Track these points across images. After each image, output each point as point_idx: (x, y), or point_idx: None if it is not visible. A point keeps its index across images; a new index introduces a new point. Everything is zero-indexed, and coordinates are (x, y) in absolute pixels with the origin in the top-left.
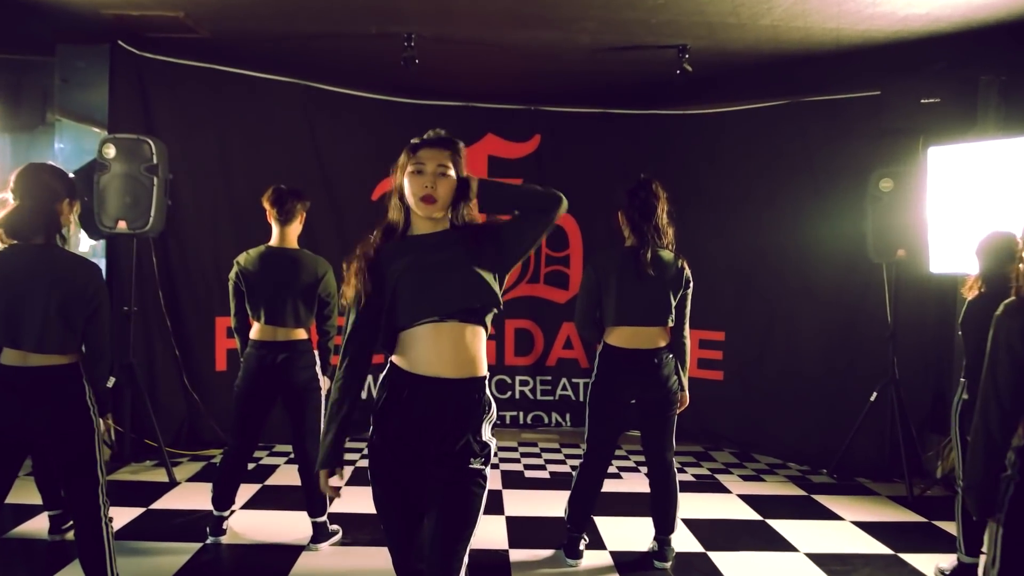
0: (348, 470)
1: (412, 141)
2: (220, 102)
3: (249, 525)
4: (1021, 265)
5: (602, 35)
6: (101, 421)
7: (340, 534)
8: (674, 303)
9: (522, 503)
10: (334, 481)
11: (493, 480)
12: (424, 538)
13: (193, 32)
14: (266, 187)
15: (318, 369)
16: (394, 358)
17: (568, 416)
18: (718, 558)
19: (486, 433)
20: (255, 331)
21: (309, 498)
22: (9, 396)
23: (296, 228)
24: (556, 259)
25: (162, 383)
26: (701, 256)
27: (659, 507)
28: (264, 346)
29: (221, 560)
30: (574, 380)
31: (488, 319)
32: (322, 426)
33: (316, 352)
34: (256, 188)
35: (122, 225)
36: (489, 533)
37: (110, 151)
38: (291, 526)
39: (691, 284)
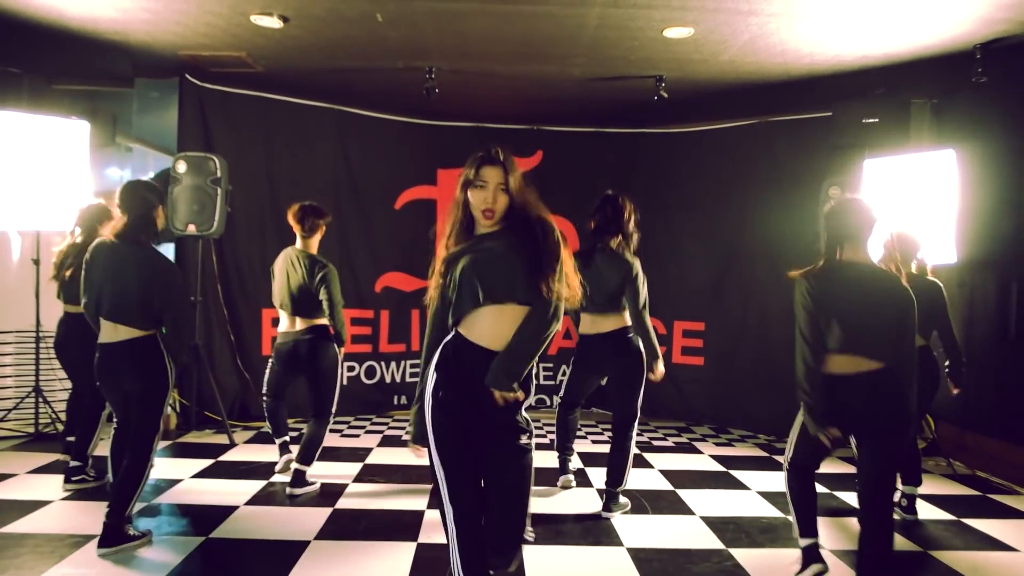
0: (376, 437)
1: (478, 154)
2: (267, 125)
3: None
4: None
5: (591, 68)
6: (174, 390)
7: (318, 487)
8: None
9: None
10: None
11: None
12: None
13: (251, 67)
14: (306, 197)
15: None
16: (460, 329)
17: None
18: (684, 494)
19: (523, 411)
20: None
21: (306, 447)
22: (109, 362)
23: (317, 239)
24: None
25: (219, 364)
26: (684, 257)
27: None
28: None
29: (276, 495)
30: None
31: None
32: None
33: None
34: (297, 198)
35: (191, 228)
36: None
37: (181, 166)
38: (340, 470)
39: (639, 277)
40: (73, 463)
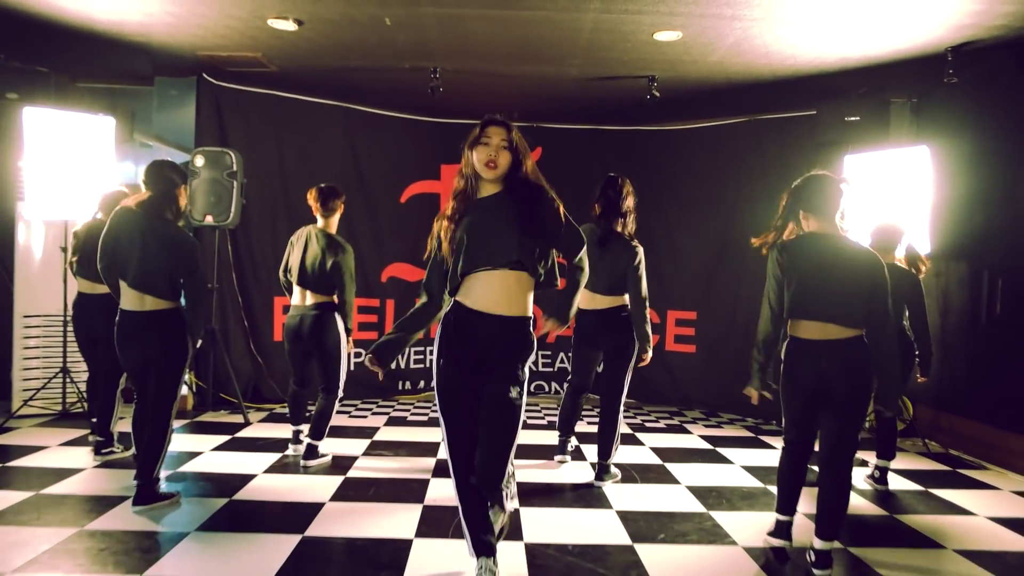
0: (383, 418)
1: (484, 117)
2: (279, 122)
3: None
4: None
5: (587, 69)
6: (191, 372)
7: (329, 459)
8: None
9: (524, 437)
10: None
11: None
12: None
13: (265, 67)
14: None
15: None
16: (458, 298)
17: (564, 384)
18: (671, 467)
19: (524, 369)
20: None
21: (316, 422)
22: (131, 329)
23: (336, 219)
24: None
25: (234, 348)
26: (677, 249)
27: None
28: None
29: (290, 466)
30: (569, 354)
31: (540, 268)
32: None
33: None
34: (306, 189)
35: (209, 219)
36: None
37: (199, 160)
38: (350, 446)
39: (641, 264)
40: (99, 439)
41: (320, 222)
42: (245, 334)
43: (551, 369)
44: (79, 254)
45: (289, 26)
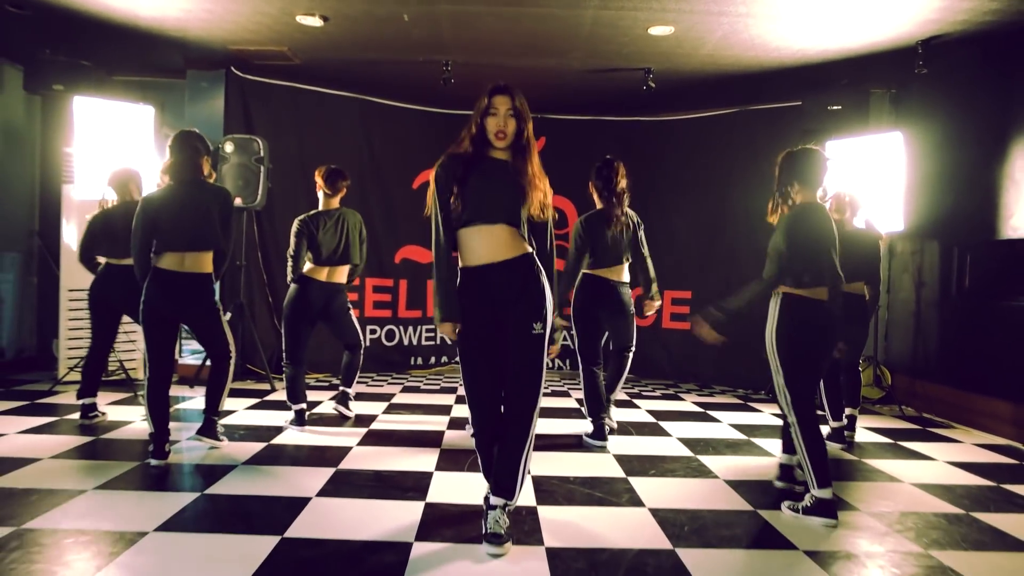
0: (398, 387)
1: (490, 86)
2: (299, 112)
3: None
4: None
5: (587, 61)
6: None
7: (353, 417)
8: (631, 244)
9: None
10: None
11: None
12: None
13: (290, 60)
14: None
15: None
16: (461, 259)
17: (567, 361)
18: (665, 424)
19: (547, 311)
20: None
21: (346, 371)
22: (170, 289)
23: (338, 199)
24: (559, 235)
25: (259, 322)
26: (674, 232)
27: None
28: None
29: (318, 422)
30: (571, 332)
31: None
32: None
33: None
34: None
35: (238, 201)
36: None
37: (229, 147)
38: (370, 407)
39: (642, 225)
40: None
41: (323, 203)
42: (269, 309)
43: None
44: (99, 235)
45: (315, 22)
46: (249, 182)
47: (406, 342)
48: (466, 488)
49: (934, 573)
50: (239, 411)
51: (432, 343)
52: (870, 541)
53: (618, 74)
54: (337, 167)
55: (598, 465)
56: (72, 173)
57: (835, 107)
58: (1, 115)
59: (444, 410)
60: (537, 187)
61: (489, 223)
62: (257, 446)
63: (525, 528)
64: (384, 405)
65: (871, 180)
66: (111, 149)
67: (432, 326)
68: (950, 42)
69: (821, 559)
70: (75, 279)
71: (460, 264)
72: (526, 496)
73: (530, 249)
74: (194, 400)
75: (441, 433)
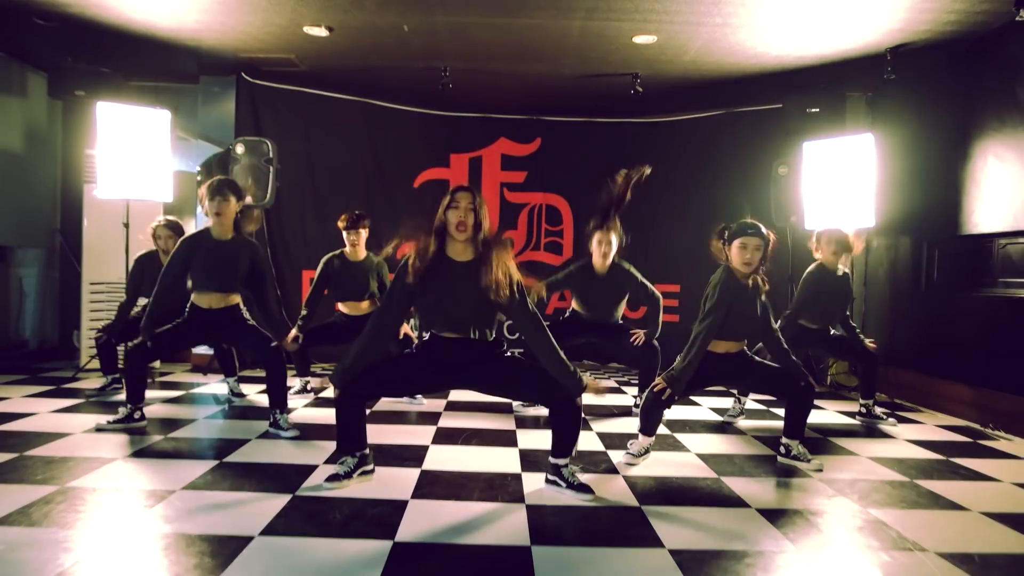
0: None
1: (455, 186)
2: (305, 115)
3: None
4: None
5: (578, 68)
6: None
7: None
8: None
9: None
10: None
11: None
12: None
13: (296, 66)
14: (339, 178)
15: None
16: (431, 330)
17: None
18: None
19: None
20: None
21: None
22: (207, 323)
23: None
24: (553, 232)
25: None
26: (661, 228)
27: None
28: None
29: (320, 404)
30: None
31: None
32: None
33: None
34: (330, 175)
35: (248, 199)
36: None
37: (240, 148)
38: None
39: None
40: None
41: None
42: (277, 301)
43: None
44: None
45: (321, 32)
46: (259, 181)
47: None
48: (459, 457)
49: (867, 525)
50: (251, 395)
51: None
52: (818, 501)
53: (607, 79)
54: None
55: (583, 441)
56: (94, 173)
57: (813, 109)
58: (26, 119)
59: (443, 395)
60: (499, 281)
61: (451, 331)
62: (263, 426)
63: (510, 490)
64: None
65: (845, 179)
66: (130, 151)
67: None
68: (916, 49)
69: (770, 516)
70: (96, 273)
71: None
72: (513, 464)
73: (491, 337)
74: (206, 386)
75: (438, 415)
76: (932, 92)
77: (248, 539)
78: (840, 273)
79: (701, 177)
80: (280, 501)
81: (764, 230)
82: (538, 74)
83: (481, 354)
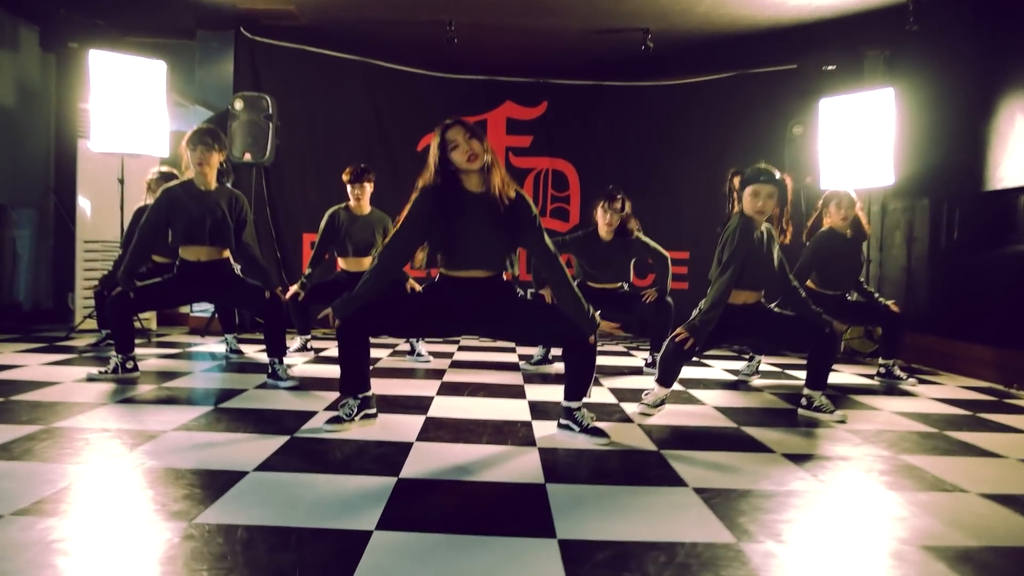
0: (387, 351)
1: (443, 123)
2: (307, 75)
3: None
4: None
5: (587, 21)
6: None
7: None
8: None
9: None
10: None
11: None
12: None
13: (297, 20)
14: (341, 140)
15: None
16: (443, 270)
17: None
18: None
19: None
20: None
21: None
22: (197, 278)
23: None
24: (559, 198)
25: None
26: (672, 193)
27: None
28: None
29: (321, 360)
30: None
31: (508, 262)
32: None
33: None
34: (332, 138)
35: (247, 156)
36: (512, 379)
37: (239, 104)
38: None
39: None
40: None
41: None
42: (278, 264)
43: None
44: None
45: None
46: (258, 139)
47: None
48: (463, 406)
49: (900, 470)
50: (249, 353)
51: None
52: (845, 448)
53: (617, 35)
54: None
55: (595, 395)
56: (88, 128)
57: (829, 67)
58: (18, 74)
59: (447, 355)
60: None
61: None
62: (262, 376)
63: (520, 435)
64: (388, 351)
65: (863, 137)
66: (125, 105)
67: None
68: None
69: (797, 460)
70: (91, 231)
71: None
72: (523, 413)
73: (505, 277)
74: (204, 346)
75: (442, 371)
76: (956, 44)
77: (242, 474)
78: (850, 235)
79: (712, 141)
80: (277, 441)
81: (778, 175)
82: (546, 28)
83: (492, 293)
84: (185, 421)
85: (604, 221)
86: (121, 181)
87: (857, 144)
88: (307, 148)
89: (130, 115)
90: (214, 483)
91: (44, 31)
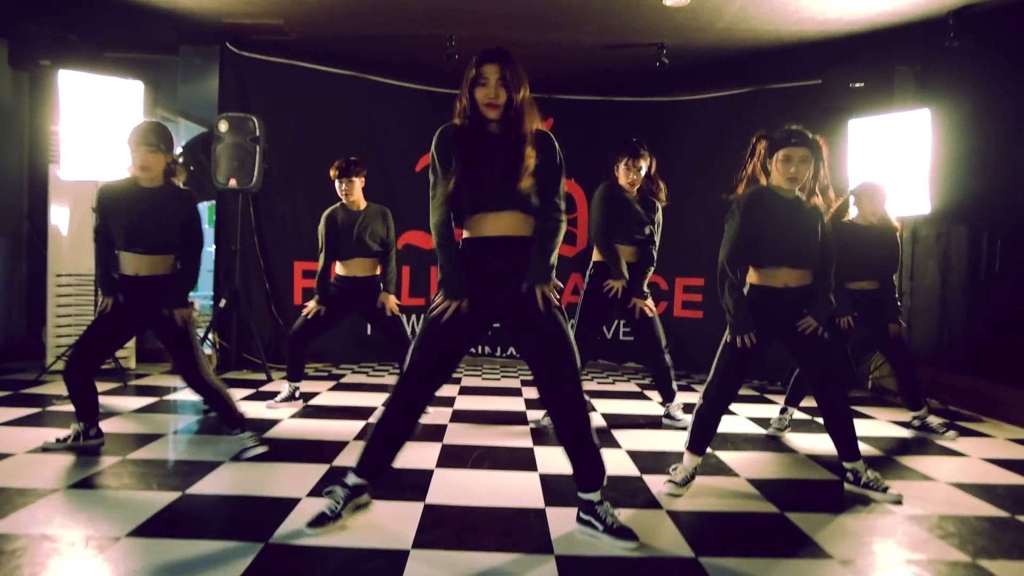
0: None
1: (480, 53)
2: (298, 92)
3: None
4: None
5: (599, 36)
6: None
7: None
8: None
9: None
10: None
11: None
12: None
13: (286, 35)
14: (331, 157)
15: None
16: (465, 233)
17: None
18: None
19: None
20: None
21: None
22: (135, 296)
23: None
24: (568, 220)
25: (255, 309)
26: (685, 217)
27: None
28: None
29: (312, 415)
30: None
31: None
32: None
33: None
34: (324, 158)
35: (232, 182)
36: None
37: (224, 126)
38: (374, 400)
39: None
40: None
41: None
42: (267, 296)
43: None
44: None
45: None
46: (244, 163)
47: (408, 331)
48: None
49: None
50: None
51: None
52: (911, 549)
53: (630, 51)
54: (352, 159)
55: (612, 464)
56: (58, 152)
57: (857, 84)
58: None
59: (448, 402)
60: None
61: (497, 211)
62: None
63: (534, 533)
64: (383, 396)
65: (895, 160)
66: (99, 128)
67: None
68: (985, 12)
69: (857, 568)
70: (63, 263)
71: (465, 233)
72: (534, 494)
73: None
74: (186, 390)
75: (452, 399)
76: (998, 61)
77: None
78: (877, 222)
79: (728, 161)
80: (247, 557)
81: (811, 136)
82: (554, 44)
83: (523, 267)
84: (144, 519)
85: (627, 180)
86: (95, 210)
87: (890, 168)
88: (297, 170)
89: (103, 139)
90: None
91: (13, 47)
